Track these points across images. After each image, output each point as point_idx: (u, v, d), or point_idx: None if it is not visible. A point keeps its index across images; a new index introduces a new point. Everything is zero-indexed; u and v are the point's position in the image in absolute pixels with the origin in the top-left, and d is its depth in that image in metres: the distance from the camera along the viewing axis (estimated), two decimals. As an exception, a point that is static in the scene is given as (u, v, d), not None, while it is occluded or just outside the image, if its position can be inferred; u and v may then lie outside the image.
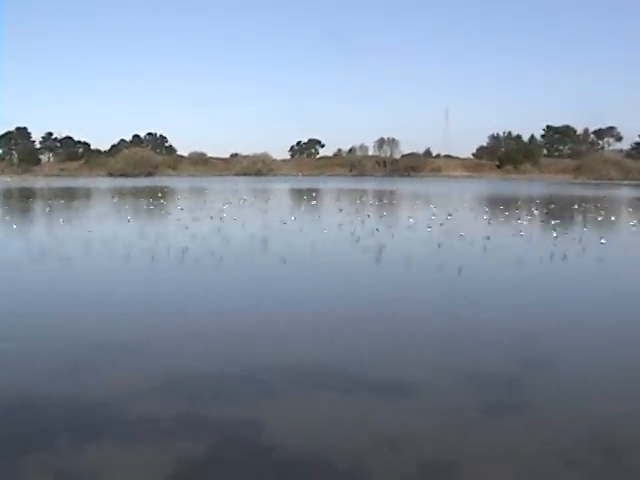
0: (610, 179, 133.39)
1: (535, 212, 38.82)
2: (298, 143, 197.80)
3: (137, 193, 59.37)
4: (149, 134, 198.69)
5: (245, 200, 46.11)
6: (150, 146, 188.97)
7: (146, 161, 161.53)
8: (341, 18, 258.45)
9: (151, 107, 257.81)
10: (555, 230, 27.60)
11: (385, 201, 48.82)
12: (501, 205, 42.86)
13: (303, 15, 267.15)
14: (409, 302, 13.98)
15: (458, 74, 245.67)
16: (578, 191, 70.56)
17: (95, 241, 23.00)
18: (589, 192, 69.50)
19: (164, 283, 15.71)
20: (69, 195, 57.00)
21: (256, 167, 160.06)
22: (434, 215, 34.52)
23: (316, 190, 63.32)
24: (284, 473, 6.40)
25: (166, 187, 73.60)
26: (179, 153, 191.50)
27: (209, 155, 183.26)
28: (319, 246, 21.77)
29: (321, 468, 6.49)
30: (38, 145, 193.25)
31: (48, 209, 39.99)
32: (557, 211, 39.72)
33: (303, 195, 54.46)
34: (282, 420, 7.52)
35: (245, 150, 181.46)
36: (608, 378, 9.26)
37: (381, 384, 8.76)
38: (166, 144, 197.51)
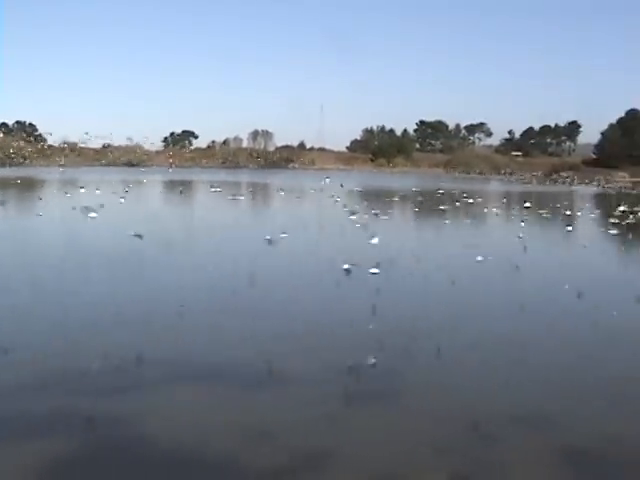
0: (480, 173, 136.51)
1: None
2: (171, 134, 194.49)
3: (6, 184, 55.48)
4: (17, 122, 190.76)
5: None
6: (18, 135, 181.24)
7: (14, 150, 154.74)
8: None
9: (20, 94, 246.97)
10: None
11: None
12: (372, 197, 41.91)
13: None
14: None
15: (333, 69, 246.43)
16: (448, 185, 70.96)
17: None
18: (460, 185, 69.96)
19: None
20: None
21: (128, 158, 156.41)
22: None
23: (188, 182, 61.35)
24: (153, 471, 6.37)
25: (31, 177, 69.45)
26: (50, 143, 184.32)
27: (80, 145, 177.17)
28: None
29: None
30: None
31: None
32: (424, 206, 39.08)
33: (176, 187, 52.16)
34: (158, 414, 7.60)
35: (117, 140, 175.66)
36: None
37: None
38: (35, 133, 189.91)
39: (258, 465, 6.44)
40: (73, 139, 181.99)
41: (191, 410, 7.68)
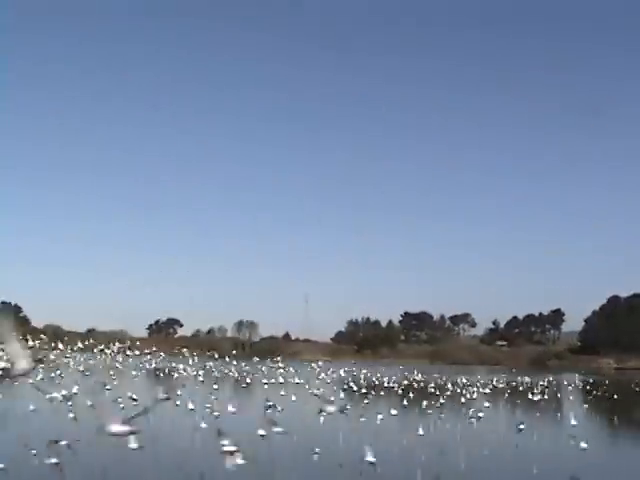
0: (465, 364, 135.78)
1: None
2: (156, 322, 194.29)
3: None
4: (2, 302, 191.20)
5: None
6: (3, 315, 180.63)
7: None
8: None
9: (5, 274, 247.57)
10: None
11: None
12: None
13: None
14: None
15: (316, 259, 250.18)
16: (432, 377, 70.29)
17: None
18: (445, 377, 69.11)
19: None
20: None
21: (113, 345, 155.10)
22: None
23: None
24: None
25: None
26: (33, 325, 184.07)
27: (65, 329, 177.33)
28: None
29: None
30: None
31: None
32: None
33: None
34: None
35: (102, 325, 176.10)
36: None
37: None
38: (20, 314, 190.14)
39: None
40: (57, 322, 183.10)
41: None
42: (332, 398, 34.84)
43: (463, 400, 37.22)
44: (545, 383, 59.14)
